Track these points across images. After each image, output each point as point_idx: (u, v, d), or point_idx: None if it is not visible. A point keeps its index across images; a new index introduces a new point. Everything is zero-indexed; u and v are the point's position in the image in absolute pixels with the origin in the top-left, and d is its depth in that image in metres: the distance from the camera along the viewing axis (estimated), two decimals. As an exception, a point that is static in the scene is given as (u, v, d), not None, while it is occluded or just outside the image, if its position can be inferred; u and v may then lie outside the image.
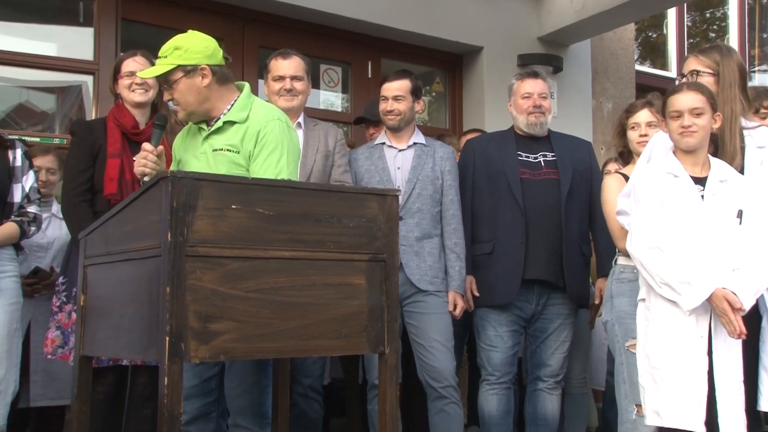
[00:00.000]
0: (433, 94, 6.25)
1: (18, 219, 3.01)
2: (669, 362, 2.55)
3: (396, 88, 3.41)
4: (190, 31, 2.59)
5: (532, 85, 3.49)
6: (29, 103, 4.77)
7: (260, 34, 5.05)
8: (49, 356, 3.04)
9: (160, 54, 2.55)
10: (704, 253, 2.56)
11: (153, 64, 3.01)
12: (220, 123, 2.55)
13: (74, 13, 4.79)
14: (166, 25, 4.91)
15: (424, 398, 3.37)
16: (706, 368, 2.52)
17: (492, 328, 3.40)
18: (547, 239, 3.37)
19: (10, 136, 3.13)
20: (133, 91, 3.12)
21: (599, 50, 6.72)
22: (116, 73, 3.17)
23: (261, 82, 5.01)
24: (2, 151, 3.03)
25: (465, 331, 3.81)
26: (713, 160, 2.71)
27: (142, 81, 3.09)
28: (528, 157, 3.48)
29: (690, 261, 2.52)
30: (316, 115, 3.51)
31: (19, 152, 3.07)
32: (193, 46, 2.50)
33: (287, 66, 3.23)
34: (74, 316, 2.83)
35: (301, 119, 3.32)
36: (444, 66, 6.14)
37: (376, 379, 2.80)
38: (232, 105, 2.57)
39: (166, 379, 1.78)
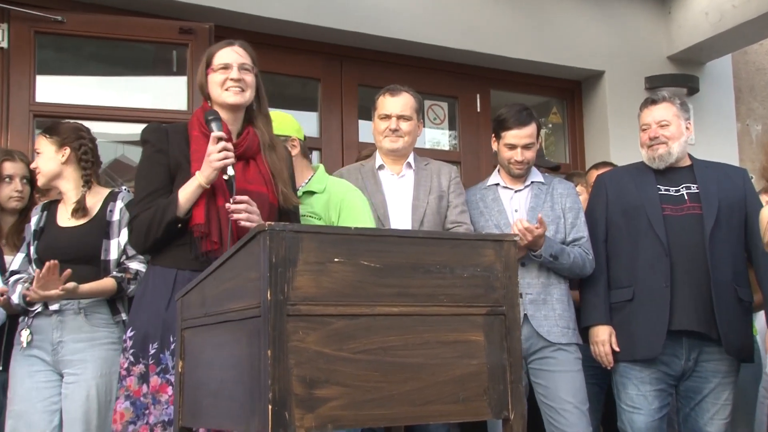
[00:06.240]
0: (550, 126, 6.15)
1: (119, 276, 2.99)
2: None
3: (527, 135, 3.36)
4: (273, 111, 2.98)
5: (651, 114, 3.42)
6: (124, 157, 5.01)
7: (359, 72, 5.15)
8: None
9: None
10: None
11: (252, 56, 2.74)
12: (299, 192, 2.94)
13: (167, 62, 5.02)
14: (263, 69, 5.08)
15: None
16: None
17: (634, 386, 3.24)
18: (695, 283, 3.20)
19: (122, 188, 3.18)
20: (226, 89, 2.63)
21: (742, 66, 6.45)
22: (207, 66, 2.68)
23: (360, 122, 5.12)
24: (103, 203, 3.10)
25: (602, 392, 3.65)
26: None
27: (239, 77, 2.62)
28: (669, 190, 3.37)
29: None
30: (422, 155, 3.52)
31: (119, 204, 3.07)
32: (285, 121, 3.13)
33: (394, 104, 3.27)
34: (155, 383, 2.57)
35: (411, 159, 3.35)
36: (561, 94, 6.05)
37: (502, 448, 2.70)
38: (310, 179, 3.11)
39: (269, 451, 1.77)
